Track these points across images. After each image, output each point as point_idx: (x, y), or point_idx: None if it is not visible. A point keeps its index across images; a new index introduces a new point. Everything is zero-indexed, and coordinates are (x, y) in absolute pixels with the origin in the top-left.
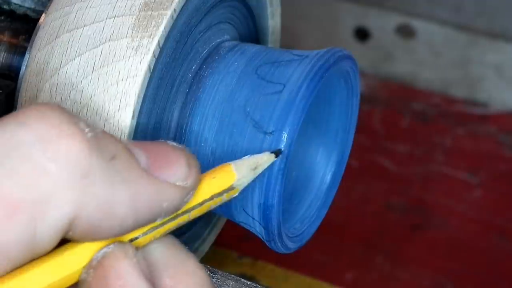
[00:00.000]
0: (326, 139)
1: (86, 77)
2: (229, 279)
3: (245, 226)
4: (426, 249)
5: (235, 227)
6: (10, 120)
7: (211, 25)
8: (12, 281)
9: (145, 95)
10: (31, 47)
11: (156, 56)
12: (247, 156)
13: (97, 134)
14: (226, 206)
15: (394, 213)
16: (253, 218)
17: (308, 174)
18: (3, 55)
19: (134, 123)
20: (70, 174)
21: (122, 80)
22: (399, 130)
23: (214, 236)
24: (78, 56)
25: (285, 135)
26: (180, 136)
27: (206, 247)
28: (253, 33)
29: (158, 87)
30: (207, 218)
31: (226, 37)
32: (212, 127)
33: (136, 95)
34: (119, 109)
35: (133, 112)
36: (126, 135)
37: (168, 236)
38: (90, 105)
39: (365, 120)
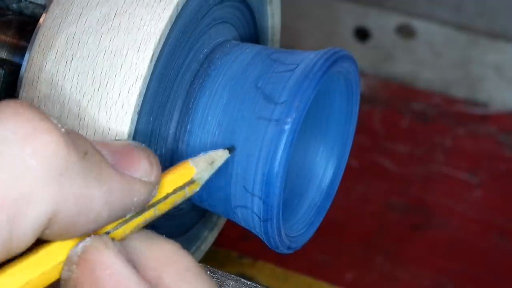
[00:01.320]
0: (326, 139)
1: (107, 23)
2: (229, 279)
3: (241, 214)
4: (426, 249)
5: (235, 227)
6: None
7: (214, 24)
8: None
9: (161, 50)
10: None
11: (179, 10)
12: (202, 153)
13: (68, 130)
14: (224, 189)
15: (394, 213)
16: (253, 194)
17: (308, 174)
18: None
19: (152, 67)
20: (48, 171)
21: (144, 26)
22: (399, 130)
23: (214, 236)
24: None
25: (296, 103)
26: (186, 110)
27: (206, 247)
28: (253, 33)
29: (172, 54)
30: (207, 219)
31: (228, 37)
32: (221, 101)
33: (160, 35)
34: (138, 52)
35: (152, 55)
36: (142, 78)
37: (142, 229)
38: (109, 48)
39: (365, 120)
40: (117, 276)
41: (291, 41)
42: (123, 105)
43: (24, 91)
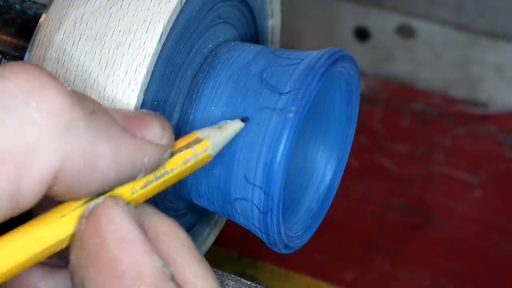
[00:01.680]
0: (326, 139)
1: (116, 4)
2: (229, 279)
3: (240, 208)
4: (426, 249)
5: (235, 227)
6: None
7: (217, 23)
8: (6, 245)
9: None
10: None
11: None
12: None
13: (75, 90)
14: (225, 180)
15: (394, 213)
16: (254, 185)
17: (308, 174)
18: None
19: (160, 47)
20: (54, 124)
21: (154, 6)
22: (399, 130)
23: (214, 236)
24: None
25: (301, 93)
26: (190, 101)
27: (206, 247)
28: (253, 34)
29: (178, 40)
30: (206, 219)
31: (229, 37)
32: (225, 92)
33: (169, 16)
34: (147, 31)
35: (161, 35)
36: (150, 56)
37: (146, 203)
38: (118, 27)
39: (365, 120)
40: (122, 231)
41: (291, 41)
42: (129, 83)
43: None
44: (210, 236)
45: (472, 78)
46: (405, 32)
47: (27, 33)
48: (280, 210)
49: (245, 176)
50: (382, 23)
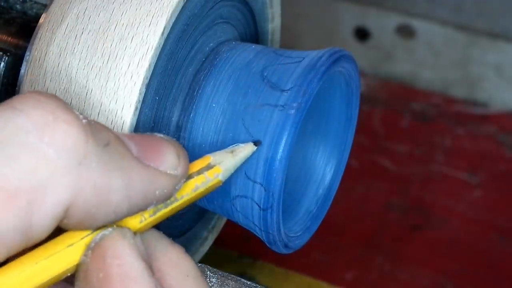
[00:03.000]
0: (326, 139)
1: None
2: (229, 279)
3: (240, 206)
4: (426, 249)
5: (235, 227)
6: (6, 107)
7: (218, 23)
8: (13, 271)
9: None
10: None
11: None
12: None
13: (90, 121)
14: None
15: (394, 213)
16: (255, 181)
17: (308, 174)
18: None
19: (163, 41)
20: (67, 159)
21: (157, 0)
22: (399, 130)
23: (214, 236)
24: None
25: (303, 90)
26: (191, 98)
27: (206, 247)
28: (253, 34)
29: (180, 36)
30: (206, 219)
31: (230, 37)
32: (226, 89)
33: (172, 11)
34: (150, 25)
35: (163, 29)
36: (153, 49)
37: (154, 229)
38: (121, 21)
39: (365, 120)
40: (127, 267)
41: (291, 41)
42: (132, 76)
43: (29, 67)
44: (210, 237)
45: (472, 78)
46: (405, 32)
47: (28, 32)
48: (280, 208)
49: (245, 173)
50: (382, 23)
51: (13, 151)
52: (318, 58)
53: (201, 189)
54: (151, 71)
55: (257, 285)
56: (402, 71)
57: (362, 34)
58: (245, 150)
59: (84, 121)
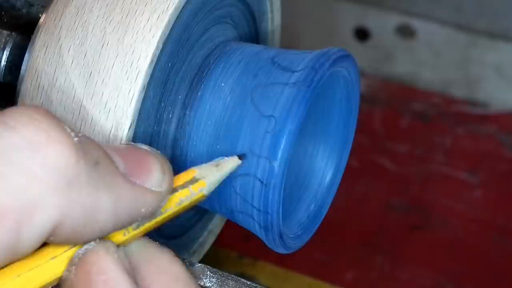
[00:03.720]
0: (326, 139)
1: None
2: (229, 279)
3: (240, 186)
4: (426, 249)
5: (235, 227)
6: None
7: (220, 22)
8: None
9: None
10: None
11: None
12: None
13: (81, 139)
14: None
15: (394, 213)
16: (259, 157)
17: (308, 174)
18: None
19: (183, 3)
20: (58, 180)
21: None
22: (399, 130)
23: (214, 236)
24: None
25: (316, 69)
26: (199, 79)
27: (206, 247)
28: (253, 34)
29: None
30: (206, 219)
31: (230, 37)
32: (236, 71)
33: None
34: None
35: (167, 23)
36: (173, 7)
37: (140, 236)
38: (122, 19)
39: (365, 120)
40: (111, 283)
41: (291, 41)
42: (150, 29)
43: (42, 29)
44: (210, 237)
45: (472, 78)
46: (405, 32)
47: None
48: (283, 186)
49: (250, 149)
50: (382, 23)
51: (4, 170)
52: (327, 50)
53: (185, 202)
54: (170, 27)
55: (257, 285)
56: (402, 71)
57: (362, 34)
58: (230, 164)
59: (75, 139)
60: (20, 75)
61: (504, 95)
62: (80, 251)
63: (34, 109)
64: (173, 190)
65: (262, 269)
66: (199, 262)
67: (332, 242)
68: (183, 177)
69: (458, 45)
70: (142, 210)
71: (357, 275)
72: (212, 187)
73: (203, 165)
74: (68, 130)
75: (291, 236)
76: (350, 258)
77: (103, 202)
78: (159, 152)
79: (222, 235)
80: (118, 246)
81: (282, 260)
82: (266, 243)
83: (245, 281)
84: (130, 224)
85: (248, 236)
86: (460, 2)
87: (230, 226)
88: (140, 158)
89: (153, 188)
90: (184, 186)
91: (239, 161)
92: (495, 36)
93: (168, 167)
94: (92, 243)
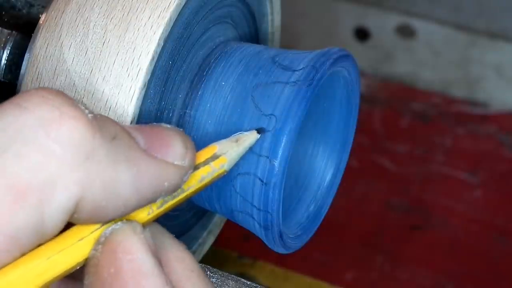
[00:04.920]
0: (326, 139)
1: None
2: (229, 279)
3: (240, 184)
4: (426, 249)
5: (235, 227)
6: (11, 105)
7: (221, 21)
8: (26, 267)
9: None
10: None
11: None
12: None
13: (96, 116)
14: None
15: (394, 213)
16: (260, 155)
17: (308, 174)
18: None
19: (184, 1)
20: (74, 155)
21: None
22: (399, 130)
23: (214, 236)
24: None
25: (316, 68)
26: (199, 78)
27: (206, 247)
28: (253, 34)
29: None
30: (206, 219)
31: (231, 37)
32: (236, 70)
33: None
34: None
35: (169, 18)
36: (175, 4)
37: (158, 225)
38: (123, 16)
39: (365, 120)
40: (138, 263)
41: (291, 41)
42: (151, 26)
43: (43, 26)
44: (210, 237)
45: (472, 78)
46: (405, 32)
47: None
48: (283, 185)
49: (250, 148)
50: (382, 23)
51: (20, 149)
52: (327, 50)
53: (207, 179)
54: (171, 25)
55: (257, 285)
56: (402, 71)
57: (362, 34)
58: (250, 138)
59: (90, 115)
60: (21, 74)
61: (504, 95)
62: (107, 231)
63: (46, 89)
64: (195, 167)
65: (262, 269)
66: (199, 262)
67: (332, 242)
68: (204, 153)
69: (458, 45)
70: (165, 184)
71: (357, 275)
72: (233, 163)
73: (223, 140)
74: (82, 107)
75: (291, 236)
76: (350, 258)
77: (123, 175)
78: (180, 129)
79: (222, 235)
80: (143, 226)
81: (282, 260)
82: (266, 242)
83: (245, 281)
84: (153, 200)
85: (248, 236)
86: (459, 2)
87: (230, 226)
88: (160, 134)
89: (175, 162)
90: (205, 162)
91: (258, 136)
92: (495, 36)
93: (190, 142)
94: (119, 223)
